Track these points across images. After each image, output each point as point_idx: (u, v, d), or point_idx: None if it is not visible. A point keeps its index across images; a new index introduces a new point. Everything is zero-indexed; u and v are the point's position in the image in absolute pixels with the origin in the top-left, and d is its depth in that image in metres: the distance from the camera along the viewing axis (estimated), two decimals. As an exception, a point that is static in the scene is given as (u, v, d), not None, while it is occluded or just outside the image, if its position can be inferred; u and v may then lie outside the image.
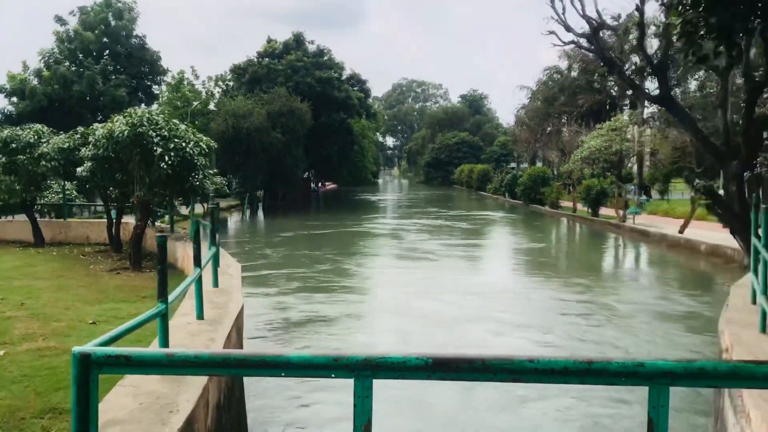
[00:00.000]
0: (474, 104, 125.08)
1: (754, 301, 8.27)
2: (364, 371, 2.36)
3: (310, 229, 35.56)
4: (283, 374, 2.41)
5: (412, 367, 2.31)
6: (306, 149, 55.21)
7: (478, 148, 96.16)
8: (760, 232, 8.88)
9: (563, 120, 58.48)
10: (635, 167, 43.32)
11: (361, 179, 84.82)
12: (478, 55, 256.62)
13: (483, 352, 11.86)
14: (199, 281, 7.56)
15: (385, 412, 7.64)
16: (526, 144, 68.95)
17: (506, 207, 53.13)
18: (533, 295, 16.71)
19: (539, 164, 65.60)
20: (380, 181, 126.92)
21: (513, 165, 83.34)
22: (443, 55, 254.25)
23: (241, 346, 8.47)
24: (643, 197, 42.12)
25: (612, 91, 49.33)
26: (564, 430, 8.19)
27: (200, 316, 7.70)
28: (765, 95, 18.03)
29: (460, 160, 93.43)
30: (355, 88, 66.34)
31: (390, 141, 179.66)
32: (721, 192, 18.70)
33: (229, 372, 2.48)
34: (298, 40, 64.00)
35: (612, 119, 34.61)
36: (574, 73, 56.31)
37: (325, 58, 63.69)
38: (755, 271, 8.32)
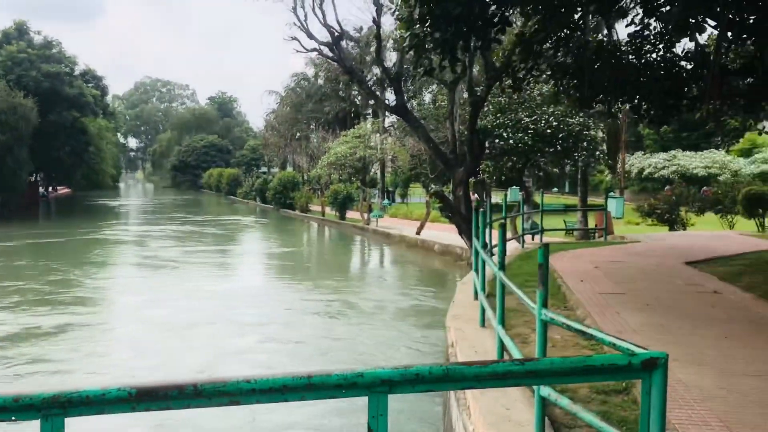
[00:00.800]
0: (223, 107, 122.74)
1: (476, 297, 9.05)
2: (54, 410, 2.00)
3: (36, 237, 31.90)
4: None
5: (113, 399, 2.01)
6: (32, 150, 49.39)
7: (227, 152, 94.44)
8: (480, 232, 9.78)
9: (312, 126, 59.84)
10: (378, 173, 45.86)
11: (99, 183, 78.28)
12: (228, 57, 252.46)
13: (216, 353, 11.94)
14: None
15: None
16: (276, 149, 69.33)
17: (257, 212, 52.88)
18: (280, 297, 16.75)
19: (290, 169, 66.29)
20: (122, 185, 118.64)
21: (264, 169, 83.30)
22: (190, 54, 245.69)
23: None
24: (386, 201, 44.69)
25: (356, 99, 51.71)
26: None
27: None
28: (485, 108, 20.08)
29: (209, 164, 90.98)
30: (90, 85, 61.17)
31: (133, 142, 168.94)
32: (451, 196, 20.45)
33: None
34: (20, 30, 57.14)
35: (356, 127, 36.32)
36: (320, 81, 57.91)
37: (54, 50, 57.71)
38: (476, 269, 9.10)
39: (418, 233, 27.35)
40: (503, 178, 19.44)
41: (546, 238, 22.15)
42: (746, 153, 53.88)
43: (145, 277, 20.27)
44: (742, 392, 5.41)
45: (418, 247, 26.20)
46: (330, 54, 18.82)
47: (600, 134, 22.31)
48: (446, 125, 21.02)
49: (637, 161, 61.66)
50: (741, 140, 58.61)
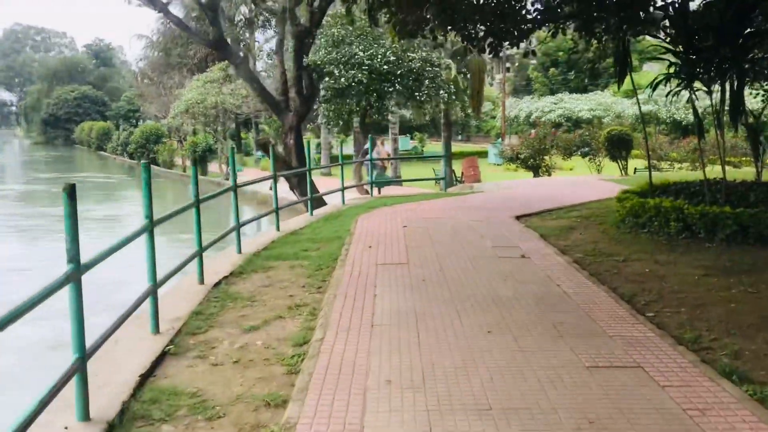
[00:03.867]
0: (101, 56, 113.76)
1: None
2: None
3: None
4: None
5: None
6: None
7: (103, 104, 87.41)
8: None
9: (184, 73, 55.23)
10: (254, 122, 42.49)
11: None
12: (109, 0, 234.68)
13: None
14: None
15: None
16: (151, 99, 64.11)
17: (125, 168, 48.65)
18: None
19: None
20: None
21: (150, 121, 77.45)
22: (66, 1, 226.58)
23: None
24: (259, 153, 41.55)
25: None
26: None
27: None
28: (318, 41, 17.45)
29: (83, 117, 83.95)
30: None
31: (7, 96, 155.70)
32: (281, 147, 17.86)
33: None
34: None
35: (208, 71, 32.79)
36: (191, 22, 53.10)
37: None
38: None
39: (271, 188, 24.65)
40: (340, 122, 17.01)
41: (401, 190, 20.08)
42: (631, 94, 53.78)
43: None
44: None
45: (268, 203, 23.58)
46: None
47: (453, 72, 20.17)
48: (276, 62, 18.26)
49: (525, 105, 60.86)
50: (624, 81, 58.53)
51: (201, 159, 34.04)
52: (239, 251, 8.57)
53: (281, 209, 12.10)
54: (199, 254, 6.92)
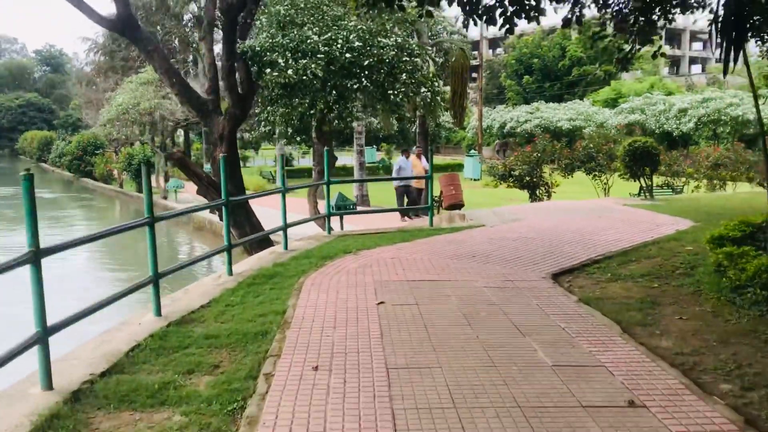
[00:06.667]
0: (52, 62, 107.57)
1: None
2: None
3: None
4: None
5: None
6: None
7: (50, 112, 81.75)
8: None
9: (131, 76, 50.29)
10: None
11: None
12: (59, 8, 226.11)
13: None
14: None
15: None
16: (98, 106, 58.96)
17: (63, 182, 43.83)
18: None
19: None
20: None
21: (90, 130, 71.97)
22: (17, 4, 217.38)
23: None
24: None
25: (172, 39, 42.93)
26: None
27: None
28: (257, 21, 13.24)
29: (28, 126, 78.16)
30: None
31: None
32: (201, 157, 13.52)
33: None
34: None
35: (142, 71, 28.26)
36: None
37: None
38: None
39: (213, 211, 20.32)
40: (289, 130, 12.70)
41: (369, 220, 16.09)
42: (611, 104, 50.50)
43: None
44: None
45: (205, 230, 19.25)
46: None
47: (432, 68, 16.23)
48: (203, 50, 14.01)
49: (498, 115, 57.31)
50: (600, 91, 55.53)
51: (138, 173, 29.48)
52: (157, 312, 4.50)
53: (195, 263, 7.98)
54: None
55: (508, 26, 7.96)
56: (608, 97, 52.89)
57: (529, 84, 64.83)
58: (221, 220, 12.94)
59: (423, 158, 15.90)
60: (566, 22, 8.11)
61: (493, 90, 70.71)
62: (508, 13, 7.89)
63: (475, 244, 9.19)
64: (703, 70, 78.34)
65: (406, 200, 16.09)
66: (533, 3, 7.94)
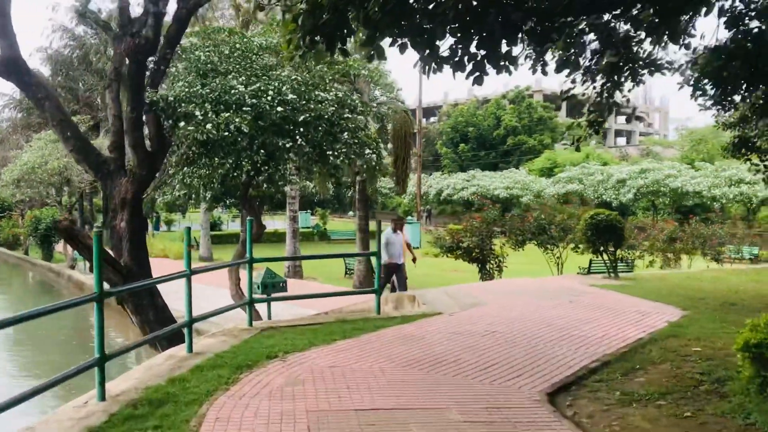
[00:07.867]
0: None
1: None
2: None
3: None
4: None
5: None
6: None
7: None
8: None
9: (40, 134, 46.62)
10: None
11: None
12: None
13: None
14: None
15: None
16: (2, 164, 54.71)
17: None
18: None
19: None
20: None
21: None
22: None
23: None
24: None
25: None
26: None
27: None
28: (171, 68, 11.37)
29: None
30: None
31: None
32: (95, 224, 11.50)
33: None
34: None
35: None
36: (93, 40, 41.53)
37: None
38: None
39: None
40: (207, 194, 10.74)
41: (303, 306, 14.13)
42: (547, 173, 50.48)
43: None
44: None
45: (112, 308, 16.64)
46: None
47: (373, 127, 14.68)
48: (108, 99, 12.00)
49: (435, 182, 56.64)
50: (536, 160, 55.64)
51: (45, 239, 26.57)
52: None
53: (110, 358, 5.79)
54: None
55: (477, 74, 6.44)
56: (543, 166, 53.00)
57: (465, 152, 64.81)
58: (137, 324, 10.69)
59: (402, 230, 13.84)
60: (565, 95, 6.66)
61: (428, 157, 70.36)
62: (478, 57, 6.39)
63: (436, 343, 7.30)
64: (628, 142, 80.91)
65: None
66: (504, 49, 6.47)
